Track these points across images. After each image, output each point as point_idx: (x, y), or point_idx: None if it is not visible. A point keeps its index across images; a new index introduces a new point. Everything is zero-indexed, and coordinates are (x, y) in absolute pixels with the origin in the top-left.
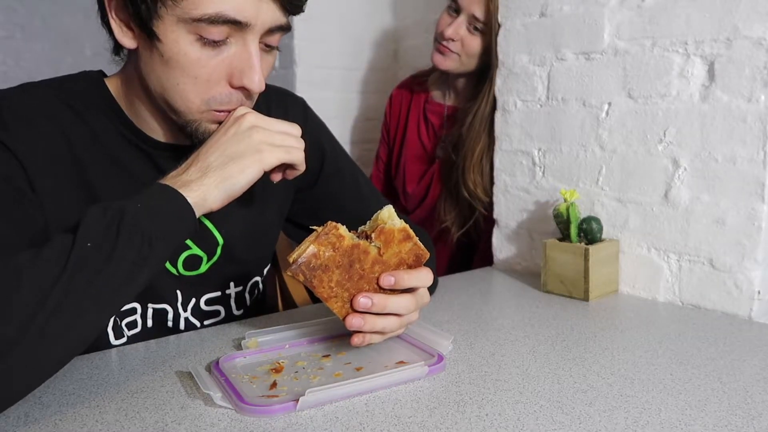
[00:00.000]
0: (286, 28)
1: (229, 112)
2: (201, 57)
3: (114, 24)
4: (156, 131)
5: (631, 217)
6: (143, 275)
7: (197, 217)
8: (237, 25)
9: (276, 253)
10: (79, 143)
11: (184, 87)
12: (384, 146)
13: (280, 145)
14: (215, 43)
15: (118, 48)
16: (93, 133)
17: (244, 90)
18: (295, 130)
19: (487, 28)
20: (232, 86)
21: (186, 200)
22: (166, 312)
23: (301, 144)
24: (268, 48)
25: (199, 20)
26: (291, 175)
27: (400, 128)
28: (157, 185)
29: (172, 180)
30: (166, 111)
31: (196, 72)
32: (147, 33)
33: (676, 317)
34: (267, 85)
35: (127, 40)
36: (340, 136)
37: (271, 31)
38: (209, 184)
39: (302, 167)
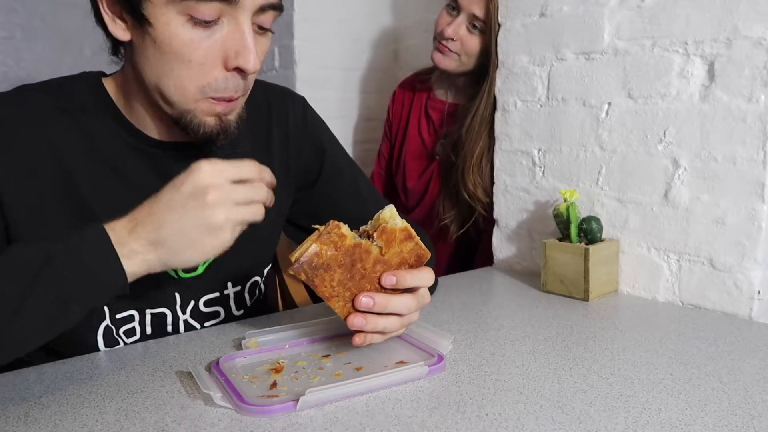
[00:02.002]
0: (278, 7)
1: (226, 100)
2: (193, 38)
3: (107, 18)
4: (154, 130)
5: (631, 217)
6: (47, 337)
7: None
8: (227, 2)
9: (276, 254)
10: (70, 152)
11: (179, 73)
12: (386, 143)
13: (241, 220)
14: (207, 24)
15: (115, 48)
16: (88, 139)
17: (240, 72)
18: (259, 191)
19: (487, 28)
20: (227, 69)
21: (123, 271)
22: (164, 316)
23: (263, 196)
24: (261, 30)
25: None
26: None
27: (401, 125)
28: (100, 240)
29: (119, 238)
30: (161, 105)
31: (190, 55)
32: (138, 20)
33: (676, 317)
34: (267, 84)
35: (121, 32)
36: (341, 136)
37: (263, 10)
38: (153, 260)
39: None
